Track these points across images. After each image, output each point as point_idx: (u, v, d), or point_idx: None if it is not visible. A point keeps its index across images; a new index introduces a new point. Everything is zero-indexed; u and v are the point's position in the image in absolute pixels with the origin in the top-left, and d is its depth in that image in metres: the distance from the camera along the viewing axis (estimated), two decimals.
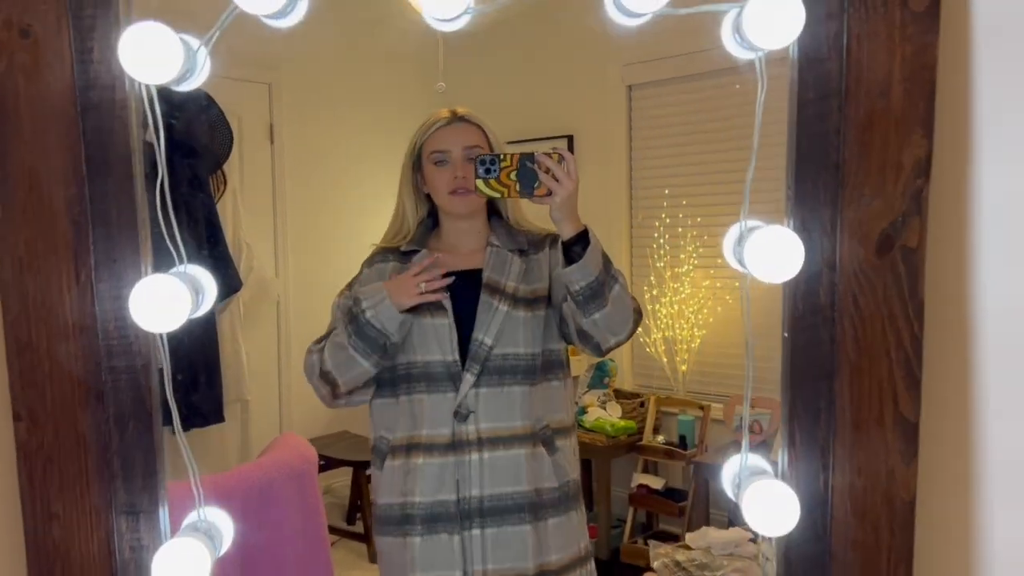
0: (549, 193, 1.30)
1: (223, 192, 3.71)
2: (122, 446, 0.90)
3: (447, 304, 1.49)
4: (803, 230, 0.88)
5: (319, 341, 1.56)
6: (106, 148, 0.86)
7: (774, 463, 0.96)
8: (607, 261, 1.40)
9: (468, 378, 1.47)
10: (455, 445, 1.48)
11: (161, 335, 0.89)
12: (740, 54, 0.87)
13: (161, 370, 0.91)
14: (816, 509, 0.93)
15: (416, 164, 1.56)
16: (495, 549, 1.47)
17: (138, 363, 0.89)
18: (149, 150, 0.92)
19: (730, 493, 0.97)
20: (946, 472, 0.94)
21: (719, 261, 3.70)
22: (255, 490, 1.97)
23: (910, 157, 0.86)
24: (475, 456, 1.47)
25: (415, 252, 1.56)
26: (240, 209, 3.74)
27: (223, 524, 0.97)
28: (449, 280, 1.46)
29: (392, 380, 1.53)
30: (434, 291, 1.45)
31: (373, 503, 1.57)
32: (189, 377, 3.38)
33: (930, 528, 0.94)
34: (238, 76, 3.81)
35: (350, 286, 1.59)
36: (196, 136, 3.52)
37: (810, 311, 0.90)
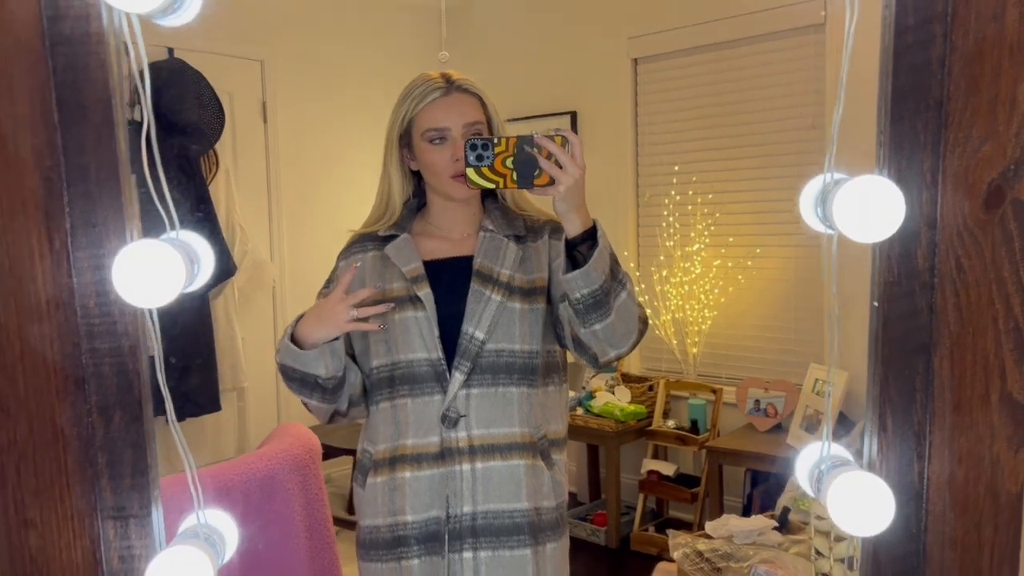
0: (552, 182, 1.12)
1: (215, 173, 3.59)
2: (107, 440, 0.77)
3: (424, 294, 1.33)
4: (899, 181, 0.75)
5: None
6: (81, 89, 0.73)
7: (857, 453, 0.84)
8: (615, 264, 1.23)
9: (457, 377, 1.31)
10: (444, 454, 1.32)
11: (151, 311, 0.76)
12: None
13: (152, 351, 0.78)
14: (910, 503, 0.81)
15: (404, 138, 1.38)
16: (489, 575, 1.31)
17: (124, 344, 0.76)
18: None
19: (807, 487, 0.84)
20: None
21: (731, 239, 3.61)
22: (256, 483, 1.85)
23: None
24: (466, 467, 1.31)
25: (394, 237, 1.39)
26: (233, 190, 3.62)
27: (226, 528, 0.85)
28: (388, 306, 1.31)
29: (374, 385, 1.38)
30: (368, 318, 1.28)
31: (356, 525, 1.42)
32: (183, 365, 3.27)
33: None
34: (229, 52, 3.68)
35: (328, 282, 1.44)
36: (186, 114, 3.39)
37: (906, 276, 0.77)
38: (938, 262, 0.77)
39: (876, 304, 0.79)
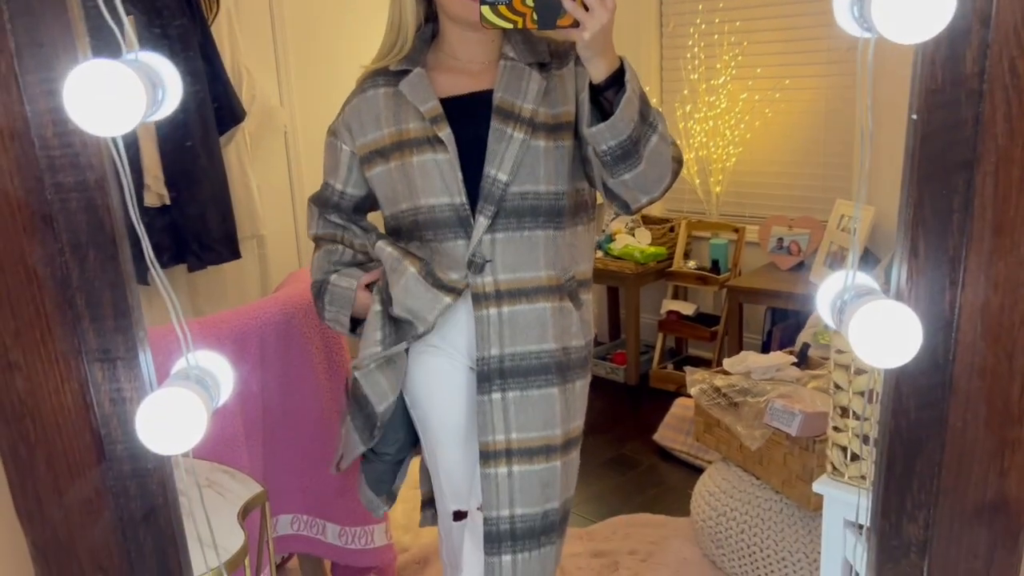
0: (576, 24, 1.04)
1: (216, 14, 3.40)
2: (83, 281, 0.73)
3: (446, 135, 1.26)
4: None
5: (318, 200, 1.41)
6: None
7: (885, 287, 0.78)
8: (644, 106, 1.13)
9: (482, 221, 1.26)
10: (471, 298, 1.31)
11: (114, 139, 0.70)
12: None
13: (121, 185, 0.73)
14: (938, 333, 0.76)
15: None
16: (519, 414, 1.31)
17: (90, 178, 0.71)
18: None
19: (828, 318, 0.79)
20: None
21: (758, 71, 3.42)
22: (272, 327, 1.85)
23: None
24: (493, 311, 1.29)
25: (407, 72, 1.31)
26: (237, 32, 3.45)
27: (220, 370, 0.82)
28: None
29: (396, 230, 1.34)
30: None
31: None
32: (199, 213, 3.23)
33: None
34: None
35: (334, 132, 1.40)
36: None
37: (951, 82, 0.69)
38: (989, 65, 0.68)
39: (915, 116, 0.70)
